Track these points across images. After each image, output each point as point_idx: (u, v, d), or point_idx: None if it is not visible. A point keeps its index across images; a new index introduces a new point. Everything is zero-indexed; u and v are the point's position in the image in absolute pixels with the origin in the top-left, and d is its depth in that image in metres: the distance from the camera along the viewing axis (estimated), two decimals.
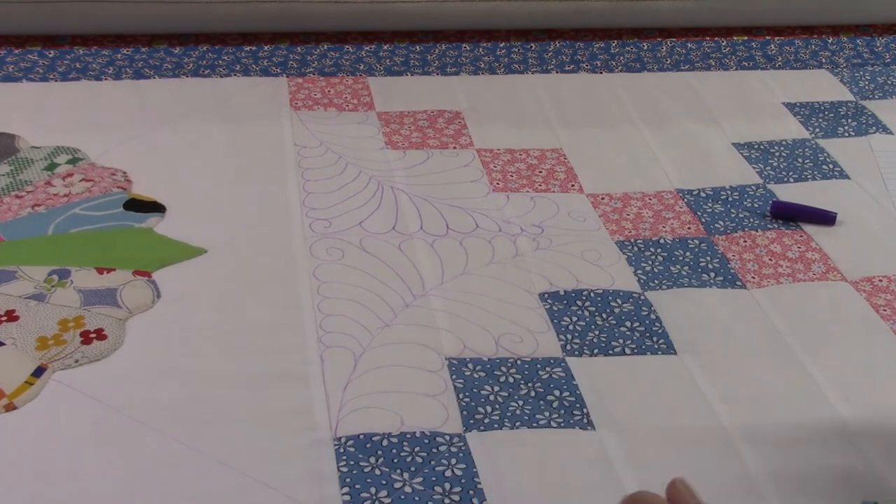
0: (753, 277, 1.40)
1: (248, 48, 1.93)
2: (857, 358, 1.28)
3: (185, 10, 1.91)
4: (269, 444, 1.11)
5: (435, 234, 1.45)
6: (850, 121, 1.79)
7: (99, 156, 1.58)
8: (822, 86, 1.90)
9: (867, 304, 1.36)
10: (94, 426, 1.12)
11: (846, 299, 1.37)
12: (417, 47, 1.98)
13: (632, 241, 1.46)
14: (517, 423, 1.15)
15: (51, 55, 1.86)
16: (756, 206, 1.55)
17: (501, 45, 2.00)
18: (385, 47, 1.97)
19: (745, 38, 2.08)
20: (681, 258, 1.43)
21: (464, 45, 2.00)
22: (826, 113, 1.81)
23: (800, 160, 1.67)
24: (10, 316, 1.26)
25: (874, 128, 1.77)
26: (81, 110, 1.69)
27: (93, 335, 1.23)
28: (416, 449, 1.11)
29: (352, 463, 1.09)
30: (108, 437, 1.11)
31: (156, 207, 1.47)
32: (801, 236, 1.49)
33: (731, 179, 1.62)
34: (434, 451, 1.11)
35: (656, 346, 1.28)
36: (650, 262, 1.42)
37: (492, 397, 1.18)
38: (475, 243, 1.44)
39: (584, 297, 1.34)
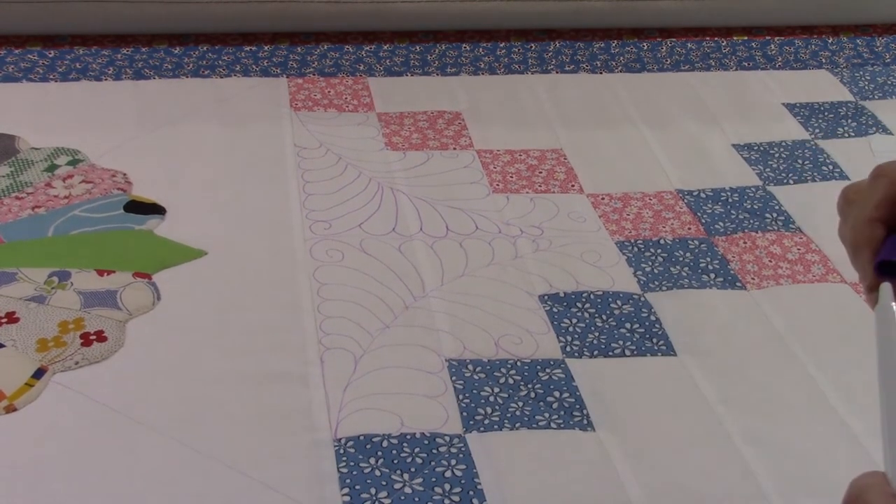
0: (753, 279, 1.40)
1: (248, 48, 1.93)
2: (857, 358, 1.28)
3: (185, 10, 1.91)
4: (269, 444, 1.11)
5: (435, 235, 1.45)
6: (850, 121, 1.79)
7: (99, 157, 1.58)
8: (822, 86, 1.90)
9: (867, 304, 1.36)
10: (94, 427, 1.12)
11: (846, 301, 1.37)
12: (417, 47, 1.98)
13: (632, 241, 1.46)
14: (517, 424, 1.15)
15: (51, 55, 1.86)
16: (756, 207, 1.55)
17: (501, 45, 2.00)
18: (385, 47, 1.97)
19: (745, 38, 2.08)
20: (681, 259, 1.43)
21: (464, 45, 2.00)
22: (826, 113, 1.81)
23: (799, 161, 1.67)
24: (11, 318, 1.26)
25: (874, 128, 1.77)
26: (81, 110, 1.69)
27: (93, 337, 1.23)
28: (416, 450, 1.11)
29: (352, 464, 1.09)
30: (108, 438, 1.11)
31: (156, 209, 1.47)
32: (801, 238, 1.49)
33: (731, 180, 1.62)
34: (434, 451, 1.11)
35: (656, 348, 1.28)
36: (650, 263, 1.42)
37: (492, 398, 1.18)
38: (475, 245, 1.44)
39: (583, 299, 1.35)
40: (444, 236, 1.45)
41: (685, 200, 1.56)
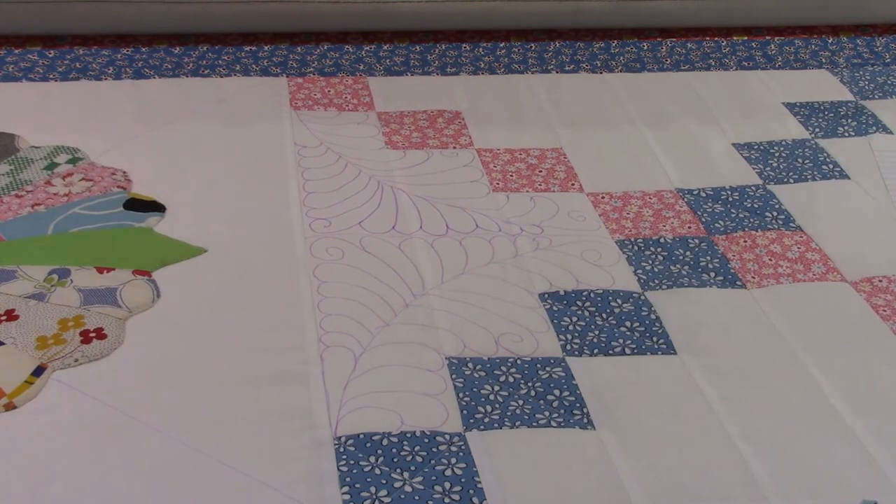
0: (753, 277, 1.40)
1: (248, 48, 1.93)
2: (857, 358, 1.28)
3: (185, 10, 1.91)
4: (269, 444, 1.11)
5: (435, 233, 1.45)
6: (850, 121, 1.79)
7: (99, 156, 1.58)
8: (822, 86, 1.90)
9: (867, 304, 1.36)
10: (93, 425, 1.12)
11: (846, 299, 1.37)
12: (417, 47, 1.98)
13: (632, 240, 1.46)
14: (517, 423, 1.15)
15: (51, 55, 1.86)
16: (756, 206, 1.55)
17: (501, 45, 2.00)
18: (385, 47, 1.97)
19: (745, 38, 2.08)
20: (681, 258, 1.43)
21: (464, 45, 2.00)
22: (826, 113, 1.81)
23: (800, 160, 1.67)
24: (10, 315, 1.26)
25: (874, 128, 1.77)
26: (81, 110, 1.69)
27: (92, 334, 1.23)
28: (416, 448, 1.11)
29: (352, 462, 1.09)
30: (108, 437, 1.11)
31: (156, 207, 1.47)
32: (802, 237, 1.49)
33: (732, 180, 1.62)
34: (434, 450, 1.11)
35: (656, 346, 1.28)
36: (650, 262, 1.42)
37: (492, 397, 1.18)
38: (475, 243, 1.44)
39: (584, 298, 1.34)
40: (444, 234, 1.45)
41: (685, 199, 1.56)
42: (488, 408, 1.17)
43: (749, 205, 1.55)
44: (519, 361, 1.24)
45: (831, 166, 1.66)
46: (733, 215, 1.53)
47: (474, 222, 1.48)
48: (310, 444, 1.11)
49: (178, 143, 1.62)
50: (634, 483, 1.09)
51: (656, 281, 1.38)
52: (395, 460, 1.09)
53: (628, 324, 1.30)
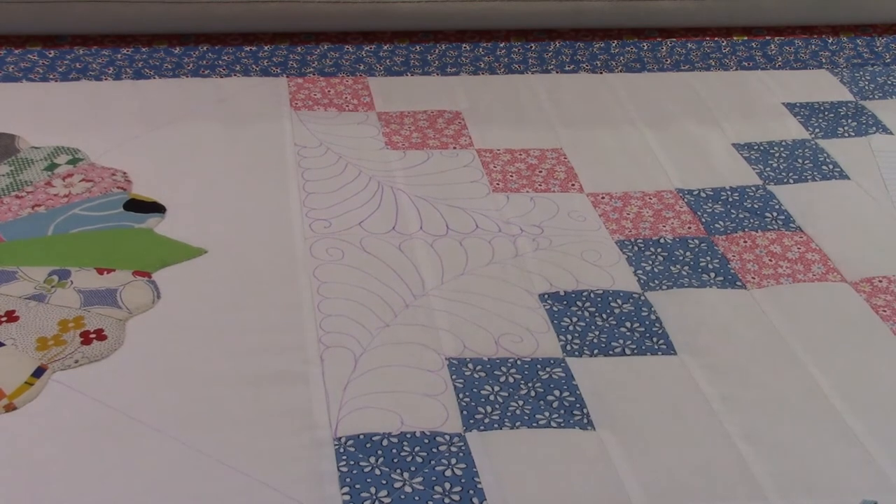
0: (753, 278, 1.40)
1: (248, 48, 1.93)
2: (857, 358, 1.28)
3: (185, 10, 1.91)
4: (269, 444, 1.11)
5: (435, 234, 1.45)
6: (850, 121, 1.79)
7: (99, 156, 1.58)
8: (822, 86, 1.90)
9: (867, 304, 1.36)
10: (93, 426, 1.12)
11: (846, 300, 1.37)
12: (417, 47, 1.98)
13: (632, 240, 1.46)
14: (517, 423, 1.15)
15: (51, 55, 1.87)
16: (756, 206, 1.55)
17: (501, 45, 2.00)
18: (385, 47, 1.97)
19: (745, 38, 2.08)
20: (681, 258, 1.43)
21: (464, 45, 2.00)
22: (826, 113, 1.81)
23: (800, 161, 1.67)
24: (10, 316, 1.26)
25: (874, 128, 1.77)
26: (81, 110, 1.70)
27: (93, 335, 1.23)
28: (416, 449, 1.11)
29: (352, 463, 1.09)
30: (108, 437, 1.11)
31: (156, 208, 1.47)
32: (801, 237, 1.49)
33: (732, 180, 1.62)
34: (434, 450, 1.11)
35: (656, 347, 1.28)
36: (650, 262, 1.42)
37: (492, 397, 1.18)
38: (475, 243, 1.44)
39: (584, 298, 1.34)
40: (445, 235, 1.45)
41: (685, 200, 1.56)
42: (488, 408, 1.17)
43: (749, 205, 1.55)
44: (519, 362, 1.24)
45: (831, 166, 1.66)
46: (733, 216, 1.53)
47: (474, 223, 1.48)
48: (310, 444, 1.11)
49: (178, 143, 1.62)
50: (634, 483, 1.09)
51: (656, 281, 1.39)
52: (395, 461, 1.09)
53: (628, 324, 1.30)
